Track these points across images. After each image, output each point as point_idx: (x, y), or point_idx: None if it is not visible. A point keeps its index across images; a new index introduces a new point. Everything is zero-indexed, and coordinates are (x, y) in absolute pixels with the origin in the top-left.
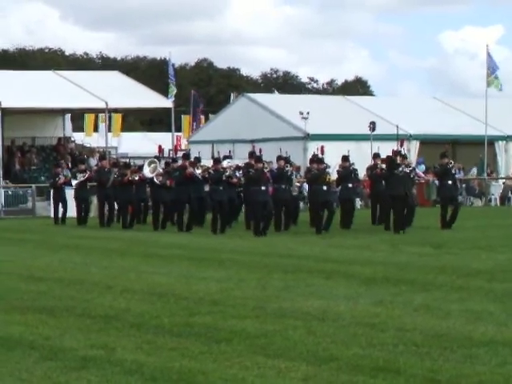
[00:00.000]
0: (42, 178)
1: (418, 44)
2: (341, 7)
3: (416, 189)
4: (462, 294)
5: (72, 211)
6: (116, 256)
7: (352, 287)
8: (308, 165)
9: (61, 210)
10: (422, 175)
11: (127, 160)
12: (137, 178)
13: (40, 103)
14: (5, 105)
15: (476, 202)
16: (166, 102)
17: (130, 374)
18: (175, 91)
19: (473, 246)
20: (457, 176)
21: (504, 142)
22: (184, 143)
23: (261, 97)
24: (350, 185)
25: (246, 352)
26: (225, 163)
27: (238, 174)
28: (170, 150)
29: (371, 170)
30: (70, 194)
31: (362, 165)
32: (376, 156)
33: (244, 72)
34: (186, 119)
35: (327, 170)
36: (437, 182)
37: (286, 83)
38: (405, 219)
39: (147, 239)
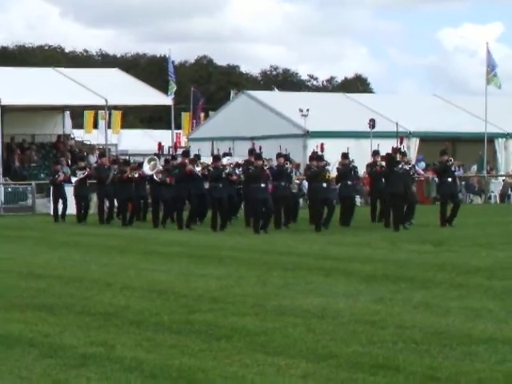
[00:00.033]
0: (42, 175)
1: (418, 41)
2: (340, 4)
3: (416, 186)
4: (461, 291)
5: (72, 208)
6: (116, 253)
7: (351, 285)
8: (308, 162)
9: (60, 207)
10: (422, 172)
11: (127, 157)
12: (136, 176)
13: (40, 100)
14: (4, 102)
15: (476, 200)
16: (166, 100)
17: (130, 371)
18: (175, 88)
19: (472, 244)
20: (456, 173)
21: (504, 139)
22: (184, 140)
23: (260, 94)
24: (350, 182)
25: (246, 349)
26: (224, 160)
27: (237, 171)
28: (169, 148)
29: (371, 167)
30: (69, 191)
31: (361, 162)
32: (375, 153)
33: (244, 69)
34: (185, 116)
35: (327, 167)
36: (436, 179)
37: (285, 80)
38: (404, 216)
39: (147, 236)
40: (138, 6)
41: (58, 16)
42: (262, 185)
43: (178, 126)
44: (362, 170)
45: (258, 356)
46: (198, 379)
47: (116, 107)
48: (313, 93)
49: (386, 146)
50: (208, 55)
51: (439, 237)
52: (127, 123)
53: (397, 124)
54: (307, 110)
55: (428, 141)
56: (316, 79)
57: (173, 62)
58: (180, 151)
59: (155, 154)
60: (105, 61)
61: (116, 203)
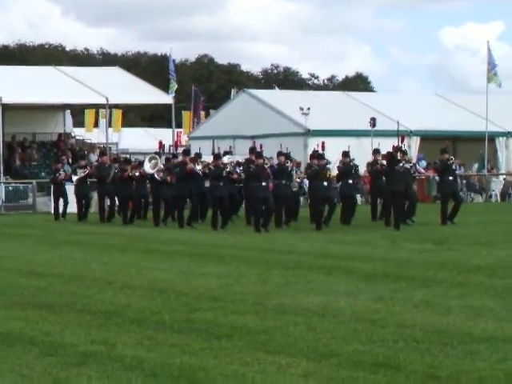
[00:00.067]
0: (43, 173)
1: (419, 40)
2: (342, 3)
3: (416, 185)
4: (462, 290)
5: (72, 207)
6: (116, 252)
7: (352, 283)
8: (308, 161)
9: (61, 205)
10: (423, 171)
11: (128, 156)
12: (137, 174)
13: (41, 99)
14: (5, 100)
15: (476, 198)
16: (167, 98)
17: (131, 369)
18: (176, 87)
19: (473, 242)
20: (457, 172)
21: (504, 138)
22: (184, 139)
23: (261, 93)
24: (351, 181)
25: (247, 348)
26: (225, 159)
27: (238, 169)
28: (170, 146)
29: (371, 165)
30: (70, 189)
31: (362, 161)
32: (376, 152)
33: (244, 68)
34: (186, 115)
35: (328, 165)
36: (437, 178)
37: (286, 79)
38: (405, 213)
39: (148, 235)
40: (139, 5)
41: (59, 15)
42: (263, 183)
43: (179, 125)
44: (362, 169)
45: (259, 354)
46: (199, 378)
47: (117, 106)
48: (314, 91)
49: (386, 145)
50: (209, 54)
51: (440, 235)
52: (128, 122)
53: (398, 123)
54: (308, 109)
55: (429, 139)
56: (317, 78)
57: (174, 61)
58: (181, 150)
59: (156, 153)
60: (106, 59)
61: (117, 201)
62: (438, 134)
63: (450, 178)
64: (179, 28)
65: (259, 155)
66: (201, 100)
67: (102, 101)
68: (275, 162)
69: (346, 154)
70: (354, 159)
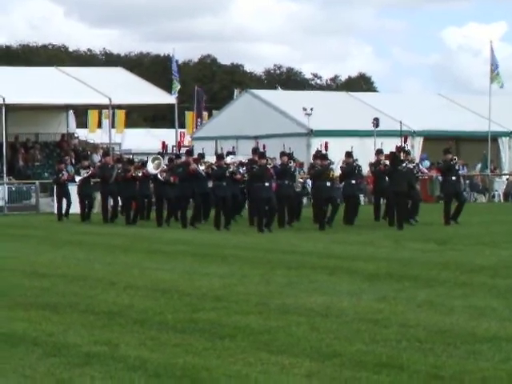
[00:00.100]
0: (46, 174)
1: (422, 40)
2: (344, 3)
3: (419, 185)
4: (465, 289)
5: (75, 207)
6: (119, 252)
7: (355, 283)
8: (311, 161)
9: (64, 205)
10: (426, 171)
11: (131, 156)
12: (140, 174)
13: (43, 99)
14: (8, 101)
15: (480, 198)
16: (170, 99)
17: (134, 370)
18: (179, 87)
19: (476, 242)
20: (460, 172)
21: (507, 138)
22: (187, 139)
23: (264, 93)
24: (354, 181)
25: (250, 348)
26: (228, 159)
27: (241, 170)
28: (173, 147)
29: (374, 166)
30: (73, 190)
31: (365, 161)
32: (379, 152)
33: (247, 68)
34: (189, 115)
35: (331, 166)
36: (440, 178)
37: (289, 79)
38: (408, 213)
39: (151, 235)
40: (142, 6)
41: (62, 15)
42: (266, 183)
43: (182, 125)
44: (365, 169)
45: (262, 355)
46: (202, 378)
47: (120, 106)
48: (316, 92)
49: (389, 145)
50: (212, 54)
51: (443, 235)
52: (131, 122)
53: (400, 123)
54: (311, 109)
55: (432, 140)
56: (320, 78)
57: (176, 61)
58: (184, 150)
59: (159, 153)
60: (108, 60)
61: (120, 202)
62: (440, 134)
63: (453, 178)
64: (182, 29)
65: (262, 155)
66: (203, 100)
67: (105, 101)
68: (278, 162)
69: (349, 155)
70: (357, 159)
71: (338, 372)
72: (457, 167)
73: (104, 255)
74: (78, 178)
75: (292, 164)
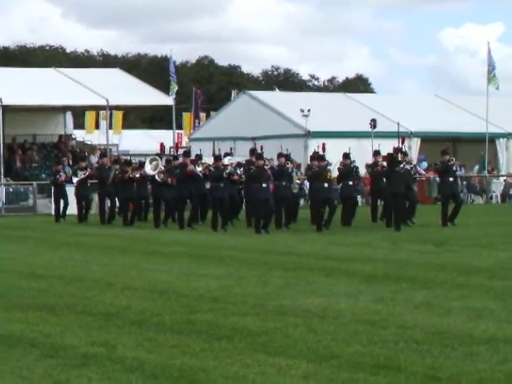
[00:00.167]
0: (43, 175)
1: (419, 41)
2: (341, 4)
3: (417, 186)
4: (462, 291)
5: (73, 208)
6: (117, 253)
7: (353, 284)
8: (309, 162)
9: (62, 206)
10: (423, 172)
11: (128, 157)
12: (138, 176)
13: (41, 100)
14: (6, 102)
15: (477, 200)
16: (167, 100)
17: (131, 371)
18: (176, 88)
19: (474, 244)
20: (458, 173)
21: (505, 139)
22: (185, 140)
23: (262, 94)
24: (351, 182)
25: (247, 349)
26: (226, 160)
27: (238, 171)
28: (170, 148)
29: (371, 167)
30: (70, 191)
31: (363, 162)
32: (376, 153)
33: (245, 69)
34: (186, 116)
35: (328, 167)
36: (438, 179)
37: (286, 80)
38: (405, 215)
39: (148, 236)
40: (140, 7)
41: (60, 16)
42: (263, 185)
43: (179, 126)
44: (362, 170)
45: (259, 356)
46: (199, 379)
47: (117, 107)
48: (314, 93)
49: (387, 146)
50: (209, 55)
51: (440, 237)
52: (128, 123)
53: (398, 124)
54: (308, 110)
55: (429, 141)
56: (317, 79)
57: (174, 63)
58: (181, 151)
59: (157, 154)
60: (106, 61)
61: (117, 203)
62: (438, 136)
63: (451, 179)
64: (180, 30)
65: (259, 157)
66: (199, 101)
67: (103, 102)
68: (275, 163)
69: (346, 156)
70: (354, 161)
71: (335, 373)
72: (454, 168)
73: (101, 256)
74: (75, 180)
75: (289, 165)
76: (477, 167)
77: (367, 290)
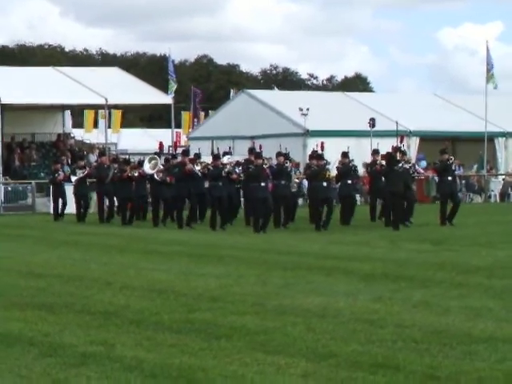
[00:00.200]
0: (42, 174)
1: (418, 40)
2: (340, 4)
3: (416, 185)
4: (461, 290)
5: (71, 207)
6: (115, 252)
7: (351, 284)
8: (307, 161)
9: (60, 205)
10: (422, 171)
11: (127, 156)
12: (136, 174)
13: (40, 99)
14: (4, 101)
15: (476, 199)
16: (166, 98)
17: (130, 370)
18: (175, 87)
19: (472, 243)
20: (457, 172)
21: (504, 138)
22: (184, 139)
23: (260, 93)
24: (350, 181)
25: (246, 348)
26: (225, 159)
27: (237, 170)
28: (169, 147)
29: (370, 166)
30: (69, 190)
31: (361, 161)
32: (375, 152)
33: (244, 68)
34: (185, 115)
35: (327, 166)
36: (436, 178)
37: (285, 79)
38: (404, 214)
39: (147, 236)
40: (138, 6)
41: (58, 15)
42: (262, 184)
43: (178, 125)
44: (361, 169)
45: (258, 355)
46: (198, 378)
47: (116, 106)
48: (313, 92)
49: (386, 145)
50: (208, 54)
51: (439, 236)
52: (127, 122)
53: (397, 123)
54: (307, 109)
55: (428, 140)
56: (316, 78)
57: (173, 61)
58: (180, 150)
59: (156, 153)
60: (105, 60)
61: (116, 202)
62: (437, 135)
63: (450, 178)
64: (178, 28)
65: (258, 155)
66: (198, 100)
67: (101, 101)
68: (274, 162)
69: (345, 155)
70: (353, 160)
71: (333, 372)
72: (453, 167)
73: (100, 255)
74: (73, 178)
75: (288, 164)
76: (475, 166)
77: (366, 289)
